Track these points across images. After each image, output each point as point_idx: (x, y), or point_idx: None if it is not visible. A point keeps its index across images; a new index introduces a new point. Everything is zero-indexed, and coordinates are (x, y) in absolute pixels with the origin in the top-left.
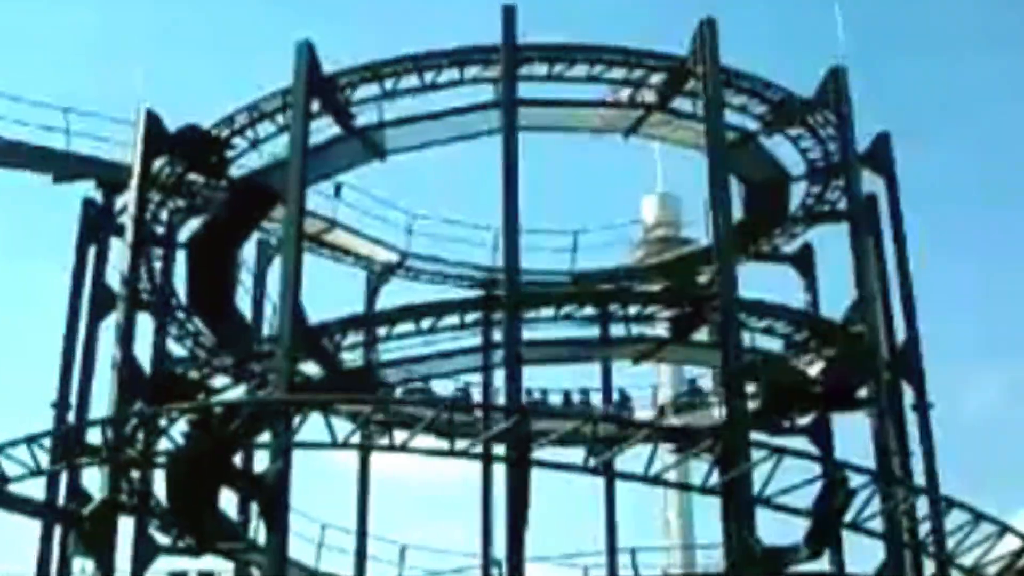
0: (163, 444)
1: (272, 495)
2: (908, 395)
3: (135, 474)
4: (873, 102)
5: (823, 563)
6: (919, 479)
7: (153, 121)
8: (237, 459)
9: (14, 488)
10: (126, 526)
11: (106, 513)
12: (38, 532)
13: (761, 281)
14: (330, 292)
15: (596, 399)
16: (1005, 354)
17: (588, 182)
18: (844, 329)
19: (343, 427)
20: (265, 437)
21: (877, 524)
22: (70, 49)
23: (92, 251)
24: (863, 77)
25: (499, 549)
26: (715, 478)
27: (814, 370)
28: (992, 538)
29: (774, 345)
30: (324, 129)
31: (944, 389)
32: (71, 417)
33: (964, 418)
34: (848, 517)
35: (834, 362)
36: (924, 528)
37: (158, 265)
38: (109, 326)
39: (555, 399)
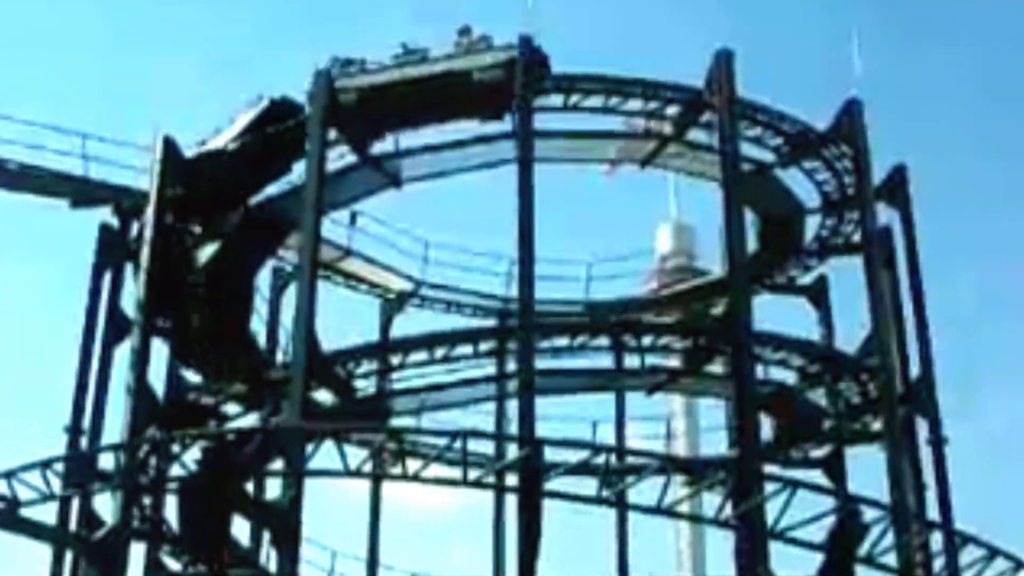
0: (176, 470)
1: (284, 522)
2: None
3: (147, 500)
4: (890, 133)
5: None
6: (933, 513)
7: (170, 147)
8: (249, 486)
9: (26, 513)
10: (138, 552)
11: (118, 539)
12: (49, 557)
13: (775, 313)
14: (344, 320)
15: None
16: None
17: (602, 212)
18: (858, 362)
19: (356, 455)
20: (278, 464)
21: (891, 559)
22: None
23: (108, 276)
24: (879, 108)
25: None
26: (728, 510)
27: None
28: (1007, 574)
29: (788, 377)
30: (340, 157)
31: (958, 417)
32: (84, 442)
33: (979, 448)
34: (862, 551)
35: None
36: (939, 563)
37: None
38: (124, 351)
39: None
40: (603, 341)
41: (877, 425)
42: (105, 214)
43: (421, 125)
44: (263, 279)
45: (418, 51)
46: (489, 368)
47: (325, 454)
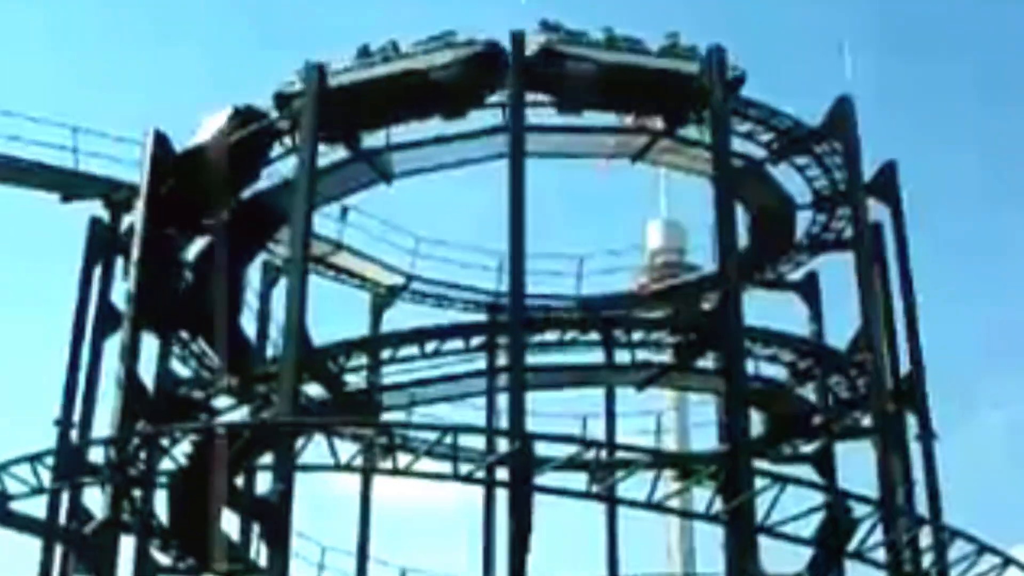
0: (165, 464)
1: (274, 517)
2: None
3: (137, 493)
4: (880, 129)
5: None
6: (922, 509)
7: (161, 141)
8: (239, 480)
9: (16, 506)
10: (127, 546)
11: (107, 532)
12: (38, 551)
13: (766, 309)
14: (334, 314)
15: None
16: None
17: (593, 207)
18: (848, 358)
19: (346, 449)
20: (268, 458)
21: (880, 554)
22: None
23: (98, 269)
24: (871, 104)
25: (500, 574)
26: (718, 505)
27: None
28: (996, 570)
29: (778, 373)
30: (331, 152)
31: (947, 415)
32: (74, 436)
33: (968, 445)
34: (851, 547)
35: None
36: (927, 559)
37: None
38: (114, 345)
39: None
40: (593, 336)
41: (867, 421)
42: (96, 207)
43: (612, 109)
44: (253, 273)
45: (631, 39)
46: (479, 363)
47: (316, 448)
